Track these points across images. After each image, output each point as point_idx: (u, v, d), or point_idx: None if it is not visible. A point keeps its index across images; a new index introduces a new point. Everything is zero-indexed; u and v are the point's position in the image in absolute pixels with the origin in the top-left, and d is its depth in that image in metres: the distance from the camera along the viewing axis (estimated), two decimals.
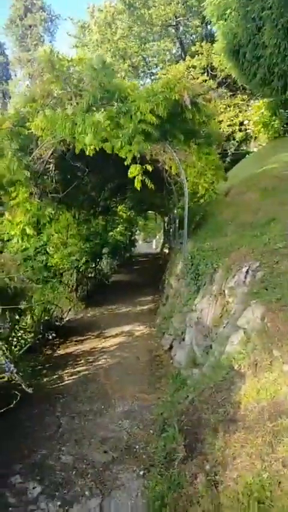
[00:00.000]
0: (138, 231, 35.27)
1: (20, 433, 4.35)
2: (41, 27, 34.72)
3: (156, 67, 26.62)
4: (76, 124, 6.16)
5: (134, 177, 6.87)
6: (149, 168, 6.72)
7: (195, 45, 22.29)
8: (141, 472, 3.69)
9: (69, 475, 3.68)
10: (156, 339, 8.03)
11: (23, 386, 3.75)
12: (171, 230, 21.55)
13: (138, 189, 6.72)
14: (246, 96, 20.78)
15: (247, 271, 5.17)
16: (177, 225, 10.88)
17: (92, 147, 6.07)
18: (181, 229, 10.93)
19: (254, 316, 4.31)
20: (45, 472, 3.72)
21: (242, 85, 16.43)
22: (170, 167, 7.90)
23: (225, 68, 15.98)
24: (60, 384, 5.76)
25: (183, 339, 6.59)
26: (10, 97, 30.74)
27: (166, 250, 22.44)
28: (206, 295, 6.04)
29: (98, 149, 6.24)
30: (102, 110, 6.05)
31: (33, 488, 3.59)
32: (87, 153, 6.53)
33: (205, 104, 7.09)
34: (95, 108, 6.30)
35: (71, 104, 6.74)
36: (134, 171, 6.55)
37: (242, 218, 7.29)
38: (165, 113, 6.61)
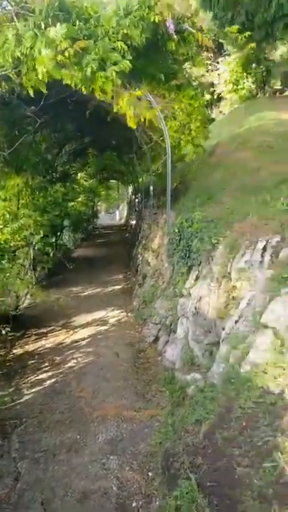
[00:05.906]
0: (100, 202, 33.30)
1: None
2: None
3: None
4: (23, 45, 4.37)
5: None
6: (140, 93, 5.22)
7: None
8: None
9: None
10: (136, 327, 6.79)
11: None
12: (137, 200, 20.09)
13: (134, 127, 5.41)
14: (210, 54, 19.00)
15: (264, 248, 3.97)
16: (151, 193, 9.39)
17: (45, 72, 4.31)
18: (153, 199, 9.54)
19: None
20: None
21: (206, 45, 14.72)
22: (145, 120, 6.37)
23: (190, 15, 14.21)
24: (18, 401, 4.34)
25: (174, 331, 5.40)
26: None
27: (133, 222, 20.95)
28: (203, 279, 4.81)
29: (53, 80, 4.52)
30: (59, 24, 4.28)
31: None
32: (40, 87, 4.83)
33: (193, 32, 5.47)
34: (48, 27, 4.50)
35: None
36: (123, 103, 5.01)
37: (238, 181, 6.02)
38: (142, 41, 4.99)
